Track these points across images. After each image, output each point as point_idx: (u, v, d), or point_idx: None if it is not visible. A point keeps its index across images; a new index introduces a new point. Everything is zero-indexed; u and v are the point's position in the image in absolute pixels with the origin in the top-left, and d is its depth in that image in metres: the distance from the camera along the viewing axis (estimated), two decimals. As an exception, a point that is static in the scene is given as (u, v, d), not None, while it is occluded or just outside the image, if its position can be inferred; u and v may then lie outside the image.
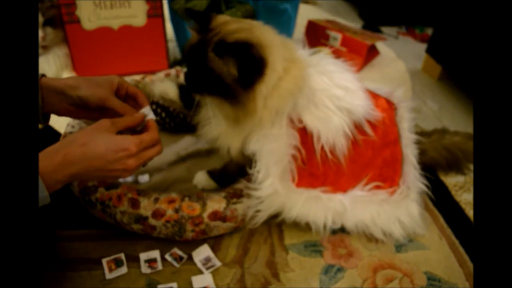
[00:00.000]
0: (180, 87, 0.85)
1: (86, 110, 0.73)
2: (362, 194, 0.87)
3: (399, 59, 1.70)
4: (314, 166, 0.83)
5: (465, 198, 1.05)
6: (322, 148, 0.81)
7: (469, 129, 1.29)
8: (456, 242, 0.91)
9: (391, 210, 0.88)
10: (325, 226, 0.86)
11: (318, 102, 0.79)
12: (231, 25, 0.71)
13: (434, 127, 1.26)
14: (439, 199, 1.03)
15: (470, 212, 1.01)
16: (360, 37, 1.56)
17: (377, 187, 0.88)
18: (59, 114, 0.74)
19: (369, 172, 0.87)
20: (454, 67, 1.53)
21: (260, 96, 0.71)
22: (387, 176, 0.89)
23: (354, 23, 1.99)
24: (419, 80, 1.64)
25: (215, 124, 0.80)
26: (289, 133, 0.79)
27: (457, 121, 1.39)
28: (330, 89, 0.80)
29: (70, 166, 0.59)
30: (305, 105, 0.78)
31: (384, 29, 2.05)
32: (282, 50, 0.73)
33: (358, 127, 0.84)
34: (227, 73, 0.69)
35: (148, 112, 0.72)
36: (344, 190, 0.87)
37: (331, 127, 0.80)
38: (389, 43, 1.83)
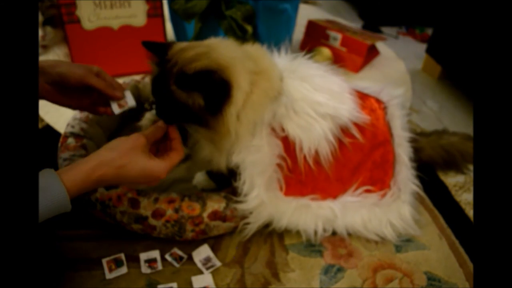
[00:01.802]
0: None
1: (65, 93, 0.74)
2: (352, 200, 0.86)
3: (399, 59, 1.70)
4: (302, 174, 0.83)
5: (465, 198, 1.05)
6: (305, 157, 0.80)
7: (469, 129, 1.29)
8: (456, 242, 0.91)
9: (382, 213, 0.87)
10: (316, 233, 0.86)
11: (298, 109, 0.78)
12: (188, 52, 0.70)
13: (434, 127, 1.26)
14: (439, 199, 1.03)
15: (470, 212, 1.01)
16: (360, 37, 1.57)
17: (368, 191, 0.87)
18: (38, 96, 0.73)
19: (359, 176, 0.87)
20: (454, 67, 1.53)
21: (230, 117, 0.70)
22: (378, 178, 0.89)
23: (354, 23, 1.99)
24: (419, 80, 1.64)
25: (202, 146, 0.80)
26: (272, 143, 0.78)
27: (457, 121, 1.38)
28: (311, 96, 0.79)
29: (100, 184, 0.63)
30: (285, 113, 0.77)
31: (384, 29, 2.05)
32: (245, 64, 0.72)
33: (345, 130, 0.83)
34: (193, 104, 0.68)
35: (128, 96, 0.76)
36: (334, 196, 0.86)
37: (313, 136, 0.79)
38: (389, 43, 1.83)
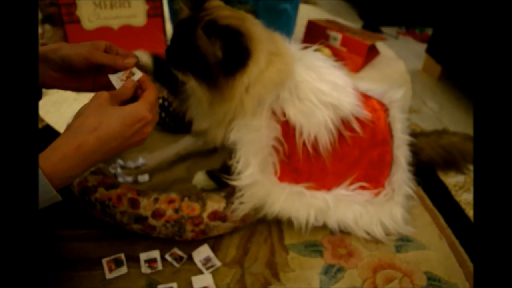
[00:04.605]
0: (155, 58, 0.78)
1: (75, 76, 0.68)
2: (346, 193, 0.87)
3: (399, 59, 1.70)
4: (298, 161, 0.83)
5: (465, 198, 1.05)
6: (305, 143, 0.80)
7: (469, 129, 1.29)
8: (456, 242, 0.91)
9: (374, 211, 0.88)
10: (307, 223, 0.86)
11: (302, 96, 0.79)
12: (225, 11, 0.71)
13: (434, 127, 1.26)
14: (439, 199, 1.03)
15: (470, 212, 1.01)
16: (360, 37, 1.57)
17: (362, 188, 0.88)
18: (46, 85, 0.68)
19: (354, 172, 0.87)
20: (454, 67, 1.53)
21: (239, 85, 0.71)
22: (373, 177, 0.89)
23: (354, 23, 1.99)
24: (419, 80, 1.63)
25: (202, 118, 0.80)
26: (271, 125, 0.79)
27: (457, 121, 1.38)
28: (315, 83, 0.80)
29: (86, 158, 0.55)
30: (288, 98, 0.78)
31: (384, 29, 2.05)
32: (268, 44, 0.73)
33: (345, 123, 0.83)
34: (211, 54, 0.68)
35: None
36: (328, 188, 0.87)
37: (314, 122, 0.79)
38: (389, 43, 1.83)
